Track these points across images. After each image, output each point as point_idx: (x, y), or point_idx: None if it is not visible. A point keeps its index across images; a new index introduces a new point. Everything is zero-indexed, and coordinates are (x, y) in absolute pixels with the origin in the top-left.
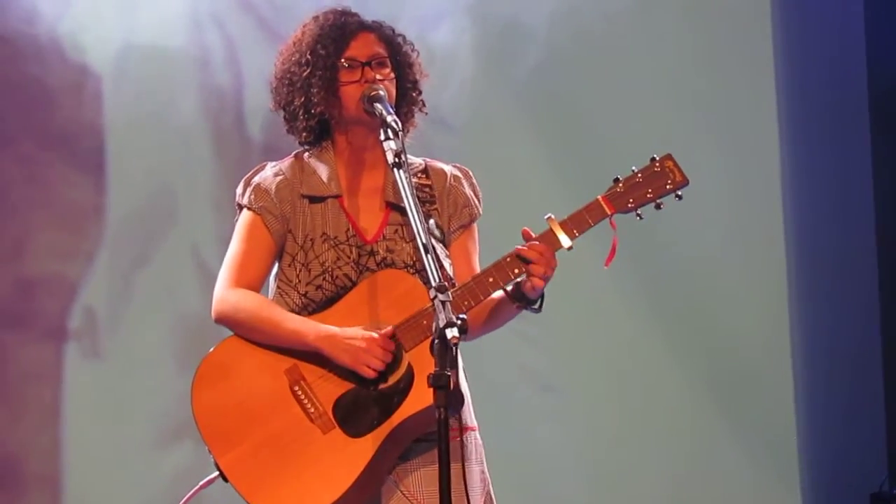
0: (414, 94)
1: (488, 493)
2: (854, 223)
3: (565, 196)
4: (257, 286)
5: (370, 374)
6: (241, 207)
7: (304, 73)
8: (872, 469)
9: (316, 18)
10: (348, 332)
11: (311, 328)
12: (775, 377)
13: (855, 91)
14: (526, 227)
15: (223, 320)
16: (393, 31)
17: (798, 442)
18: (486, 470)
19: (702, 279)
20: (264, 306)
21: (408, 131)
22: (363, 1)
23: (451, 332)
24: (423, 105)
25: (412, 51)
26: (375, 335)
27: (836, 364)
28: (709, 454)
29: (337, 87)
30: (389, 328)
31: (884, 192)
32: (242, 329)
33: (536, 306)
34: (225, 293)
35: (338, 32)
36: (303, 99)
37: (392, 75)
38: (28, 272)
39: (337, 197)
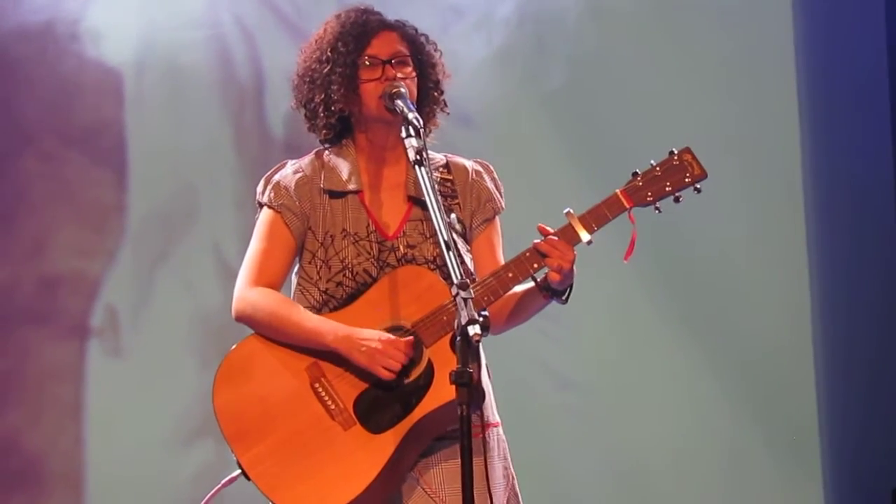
0: (436, 94)
1: (513, 488)
2: (874, 222)
3: (585, 190)
4: (277, 284)
5: (387, 375)
6: (261, 205)
7: (325, 71)
8: (894, 465)
9: (338, 16)
10: (365, 334)
11: (329, 328)
12: (798, 375)
13: (877, 91)
14: (541, 223)
15: (243, 319)
16: (416, 30)
17: (820, 439)
18: (510, 466)
19: (724, 278)
20: (283, 305)
21: (429, 131)
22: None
23: (474, 329)
24: (445, 105)
25: (435, 51)
26: (393, 337)
27: (856, 362)
28: (732, 451)
29: (357, 85)
30: (410, 338)
31: None
32: (261, 327)
33: (564, 298)
34: (245, 291)
35: (359, 30)
36: (323, 96)
37: (413, 74)
38: (50, 270)
39: (357, 192)
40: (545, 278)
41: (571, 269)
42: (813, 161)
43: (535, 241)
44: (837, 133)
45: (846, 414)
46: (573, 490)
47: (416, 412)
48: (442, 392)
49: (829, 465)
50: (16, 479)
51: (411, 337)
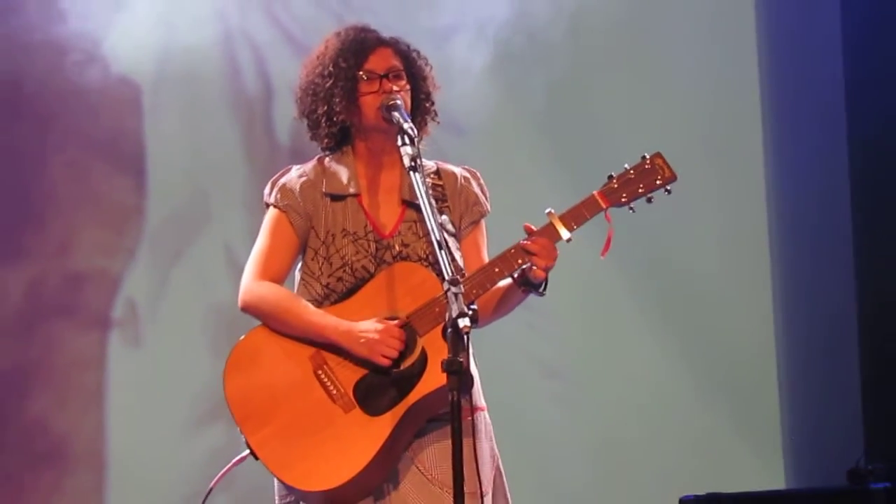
0: (427, 105)
1: (498, 467)
2: (832, 227)
3: (565, 192)
4: (281, 278)
5: (385, 362)
6: (268, 206)
7: (327, 85)
8: (850, 447)
9: (338, 34)
10: (362, 326)
11: (330, 323)
12: (760, 364)
13: (833, 100)
14: (527, 223)
15: (248, 309)
16: (408, 46)
17: (781, 423)
18: (495, 446)
19: (694, 273)
20: (288, 299)
21: (421, 138)
22: (380, 16)
23: (463, 322)
24: (436, 115)
25: (426, 65)
26: (388, 325)
27: (814, 350)
28: (701, 436)
29: (357, 97)
30: (399, 320)
31: (860, 197)
32: (267, 318)
33: (541, 290)
34: (251, 284)
35: (358, 47)
36: (325, 108)
37: (407, 87)
38: (75, 267)
39: (356, 196)
40: (523, 274)
41: (553, 266)
42: (775, 169)
43: (523, 241)
44: (797, 144)
45: (805, 400)
46: (555, 468)
47: (411, 396)
48: (435, 378)
49: (790, 447)
50: (44, 459)
51: (400, 319)
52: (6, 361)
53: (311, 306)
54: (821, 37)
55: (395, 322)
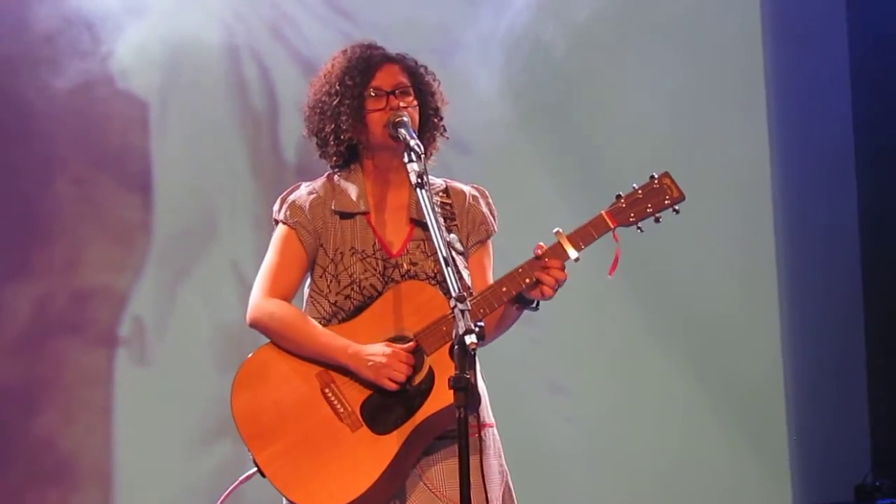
0: (435, 120)
1: (507, 484)
2: (840, 241)
3: (572, 211)
4: (290, 295)
5: (392, 386)
6: (277, 222)
7: (334, 103)
8: (857, 462)
9: (344, 52)
10: (371, 350)
11: (340, 345)
12: (768, 380)
13: (840, 109)
14: (537, 243)
15: (256, 326)
16: (416, 62)
17: (788, 439)
18: (504, 463)
19: (701, 292)
20: (297, 317)
21: (430, 154)
22: (387, 33)
23: (470, 339)
24: (444, 130)
25: (433, 80)
26: (396, 350)
27: (823, 367)
28: (708, 451)
29: (364, 115)
30: (410, 344)
31: (867, 206)
32: (275, 336)
33: (534, 306)
34: (260, 301)
35: (364, 64)
36: (333, 126)
37: (415, 103)
38: (81, 284)
39: (365, 214)
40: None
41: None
42: (782, 182)
43: (531, 260)
44: (805, 148)
45: (812, 416)
46: (563, 484)
47: (419, 415)
48: (442, 397)
49: (797, 463)
50: (51, 475)
51: (413, 343)
52: (13, 378)
53: (319, 326)
54: (828, 40)
55: (405, 347)
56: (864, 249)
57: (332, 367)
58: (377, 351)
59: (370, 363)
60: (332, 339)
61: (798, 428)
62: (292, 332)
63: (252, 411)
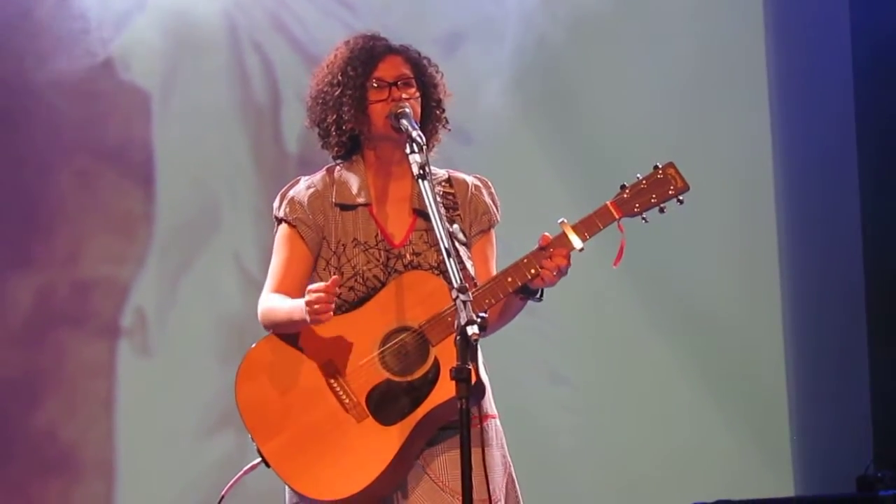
0: (438, 112)
1: (510, 475)
2: (842, 229)
3: (576, 202)
4: (296, 291)
5: (322, 318)
6: (278, 220)
7: (336, 93)
8: (858, 454)
9: (347, 43)
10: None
11: (294, 305)
12: (769, 371)
13: (843, 98)
14: (543, 233)
15: (262, 324)
16: (419, 54)
17: (790, 430)
18: (507, 454)
19: (704, 282)
20: (273, 300)
21: (432, 146)
22: (389, 24)
23: (472, 329)
24: (447, 122)
25: (437, 72)
26: (316, 286)
27: (824, 358)
28: (709, 442)
29: (366, 106)
30: (335, 278)
31: (869, 197)
32: (268, 327)
33: (538, 296)
34: (262, 299)
35: (367, 55)
36: (335, 116)
37: (417, 94)
38: (84, 275)
39: (367, 205)
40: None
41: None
42: (784, 171)
43: (536, 250)
44: (807, 144)
45: (814, 407)
46: (567, 475)
47: (424, 406)
48: (447, 387)
49: (799, 454)
50: (53, 467)
51: (337, 277)
52: (15, 370)
53: (287, 300)
54: (829, 29)
55: (330, 282)
56: (866, 241)
57: (337, 355)
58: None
59: (305, 310)
60: (289, 303)
61: (800, 419)
62: (270, 314)
63: (257, 402)
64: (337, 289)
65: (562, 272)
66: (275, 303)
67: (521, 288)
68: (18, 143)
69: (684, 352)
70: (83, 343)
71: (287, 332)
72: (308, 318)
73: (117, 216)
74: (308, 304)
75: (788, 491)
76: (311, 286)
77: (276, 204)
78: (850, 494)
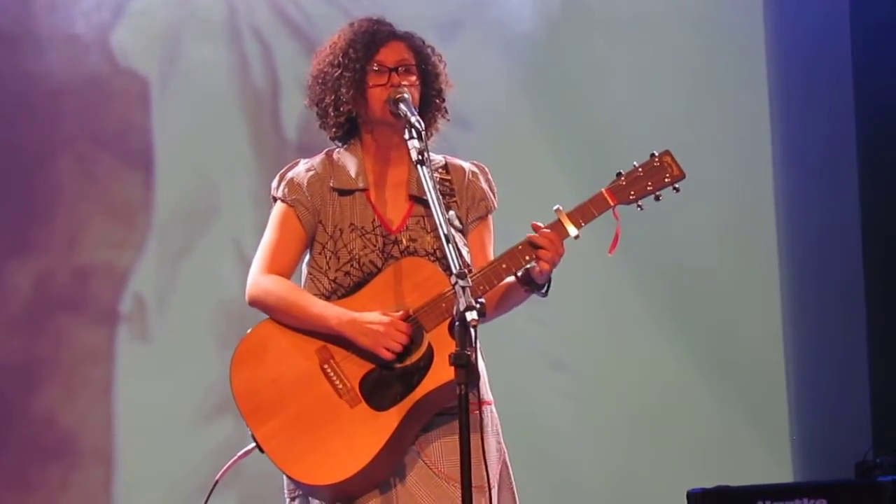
0: (438, 102)
1: (504, 461)
2: (841, 215)
3: (573, 189)
4: (288, 272)
5: (388, 355)
6: (275, 200)
7: (336, 74)
8: (857, 440)
9: (352, 25)
10: (368, 317)
11: (333, 313)
12: (769, 357)
13: (843, 101)
14: (533, 220)
15: (255, 303)
16: (423, 41)
17: (789, 416)
18: (501, 441)
19: (702, 268)
20: (292, 291)
21: (430, 135)
22: (388, 10)
23: (471, 315)
24: (446, 112)
25: (440, 62)
26: (394, 318)
27: (824, 344)
28: (709, 429)
29: (365, 89)
30: (403, 312)
31: (869, 190)
32: (272, 311)
33: (543, 291)
34: (258, 278)
35: (369, 38)
36: (333, 97)
37: (417, 82)
38: (82, 261)
39: (364, 190)
40: (526, 273)
41: (558, 262)
42: (783, 160)
43: (530, 236)
44: (806, 140)
45: (813, 393)
46: (562, 461)
47: (417, 391)
48: (441, 373)
49: (798, 441)
50: (52, 452)
51: (404, 312)
52: (14, 356)
53: (313, 297)
54: (829, 27)
55: (400, 315)
56: (865, 225)
57: (331, 341)
58: (374, 319)
59: (367, 331)
60: (326, 309)
61: (799, 406)
62: (287, 305)
63: (251, 387)
64: (333, 273)
65: (556, 259)
66: (297, 297)
67: (526, 280)
68: (17, 129)
69: (683, 338)
70: (82, 329)
71: (294, 324)
72: (374, 348)
73: (116, 202)
74: (386, 336)
75: (787, 477)
76: (400, 325)
77: (274, 184)
78: (849, 480)
